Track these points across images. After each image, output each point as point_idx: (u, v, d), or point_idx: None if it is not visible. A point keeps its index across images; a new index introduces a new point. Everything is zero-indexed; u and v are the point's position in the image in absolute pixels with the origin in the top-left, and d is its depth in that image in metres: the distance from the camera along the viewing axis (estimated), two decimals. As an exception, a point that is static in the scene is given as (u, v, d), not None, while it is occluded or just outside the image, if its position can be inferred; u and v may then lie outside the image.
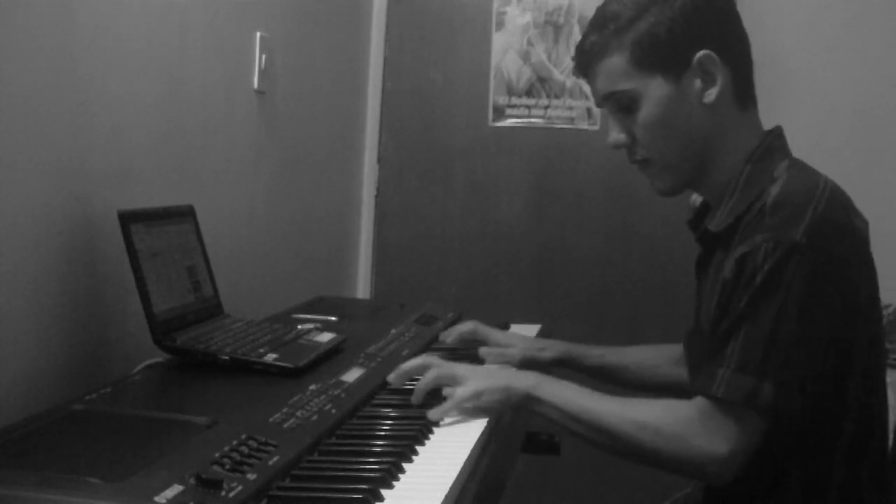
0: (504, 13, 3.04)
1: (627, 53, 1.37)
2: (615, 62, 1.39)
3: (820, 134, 2.83)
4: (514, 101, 3.04)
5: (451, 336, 1.80)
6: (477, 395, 1.34)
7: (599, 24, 1.41)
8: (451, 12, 3.08)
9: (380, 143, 3.08)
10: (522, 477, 2.79)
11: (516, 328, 1.99)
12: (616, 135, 1.43)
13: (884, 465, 1.37)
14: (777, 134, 1.43)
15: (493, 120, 3.06)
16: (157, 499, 0.89)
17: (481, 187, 3.08)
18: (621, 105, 1.41)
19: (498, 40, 3.04)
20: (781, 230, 1.26)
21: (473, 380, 1.36)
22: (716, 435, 1.25)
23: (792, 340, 1.24)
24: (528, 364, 1.68)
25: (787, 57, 2.88)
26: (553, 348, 1.75)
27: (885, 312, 2.62)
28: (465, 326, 1.81)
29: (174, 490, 0.91)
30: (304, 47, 2.39)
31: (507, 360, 1.68)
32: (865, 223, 1.35)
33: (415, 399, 1.36)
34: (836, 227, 1.28)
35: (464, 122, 3.07)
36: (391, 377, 1.44)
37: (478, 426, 1.30)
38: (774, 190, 1.31)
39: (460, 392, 1.34)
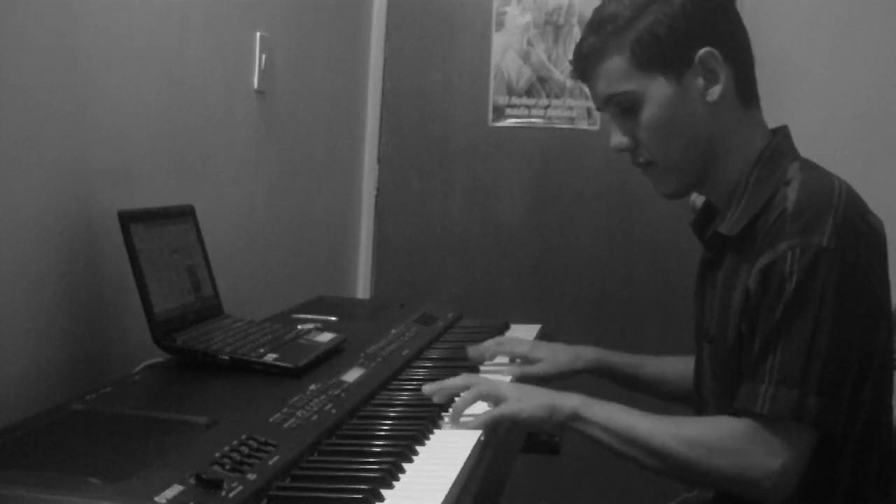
0: (504, 13, 3.04)
1: (627, 53, 1.35)
2: (615, 63, 1.36)
3: (820, 134, 2.82)
4: (514, 101, 3.05)
5: (476, 352, 1.70)
6: (517, 412, 1.31)
7: (597, 26, 1.39)
8: (451, 12, 3.08)
9: (380, 143, 3.08)
10: (522, 477, 2.79)
11: (516, 328, 1.98)
12: (619, 138, 1.40)
13: (890, 470, 1.36)
14: (784, 133, 1.42)
15: (493, 120, 3.06)
16: (157, 499, 0.89)
17: (481, 187, 3.08)
18: (622, 107, 1.38)
19: (498, 40, 3.04)
20: (806, 236, 1.25)
21: (515, 398, 1.33)
22: (767, 451, 1.23)
23: (830, 349, 1.23)
24: (558, 377, 1.65)
25: (787, 57, 2.88)
26: (585, 358, 1.68)
27: (885, 313, 2.63)
28: (488, 345, 1.71)
29: (174, 490, 0.91)
30: (304, 47, 2.39)
31: (530, 377, 1.62)
32: (880, 222, 1.34)
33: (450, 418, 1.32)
34: (857, 229, 1.27)
35: (464, 122, 3.07)
36: (433, 395, 1.36)
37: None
38: (792, 194, 1.29)
39: (500, 408, 1.31)
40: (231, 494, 0.94)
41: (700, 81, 1.36)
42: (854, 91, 2.90)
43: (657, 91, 1.36)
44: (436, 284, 3.05)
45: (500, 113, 3.05)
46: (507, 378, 1.59)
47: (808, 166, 1.36)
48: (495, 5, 3.04)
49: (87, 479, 0.91)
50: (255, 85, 2.07)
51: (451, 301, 2.64)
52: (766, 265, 1.26)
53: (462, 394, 1.35)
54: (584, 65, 1.41)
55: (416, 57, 3.08)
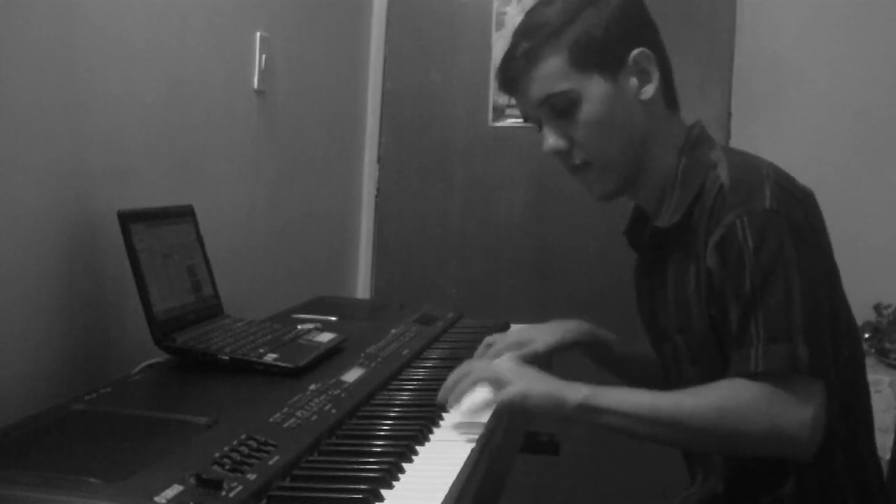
0: (504, 13, 3.04)
1: (566, 55, 1.39)
2: (552, 64, 1.40)
3: (820, 134, 2.83)
4: (515, 101, 3.04)
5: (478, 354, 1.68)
6: (523, 397, 1.29)
7: (530, 32, 1.43)
8: (451, 12, 3.08)
9: (380, 143, 3.08)
10: (522, 477, 2.79)
11: (516, 328, 1.98)
12: (554, 140, 1.42)
13: (869, 432, 1.40)
14: (700, 127, 1.46)
15: (493, 120, 3.06)
16: (157, 499, 0.89)
17: (481, 187, 3.08)
18: (557, 108, 1.41)
19: (498, 40, 3.04)
20: (749, 203, 1.29)
21: (520, 381, 1.31)
22: (797, 404, 1.23)
23: (805, 301, 1.25)
24: (551, 352, 1.64)
25: (787, 57, 2.88)
26: (576, 330, 1.67)
27: (885, 312, 2.63)
28: (480, 351, 1.68)
29: (174, 490, 0.91)
30: (304, 47, 2.39)
31: (526, 356, 1.59)
32: (810, 189, 1.38)
33: (447, 402, 1.30)
34: (792, 194, 1.32)
35: (464, 122, 3.07)
36: (447, 400, 1.32)
37: (477, 426, 1.30)
38: (723, 173, 1.34)
39: (506, 392, 1.30)
40: (231, 494, 0.94)
41: (633, 81, 1.40)
42: (854, 91, 2.90)
43: (595, 89, 1.39)
44: (436, 284, 3.05)
45: (500, 113, 3.05)
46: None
47: (729, 150, 1.42)
48: (495, 5, 3.04)
49: (87, 479, 0.91)
50: (255, 85, 2.07)
51: (451, 301, 2.64)
52: (719, 241, 1.29)
53: (462, 380, 1.33)
54: (518, 70, 1.44)
55: (416, 57, 3.08)
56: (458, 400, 1.30)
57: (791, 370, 1.23)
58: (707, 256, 1.31)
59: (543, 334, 1.67)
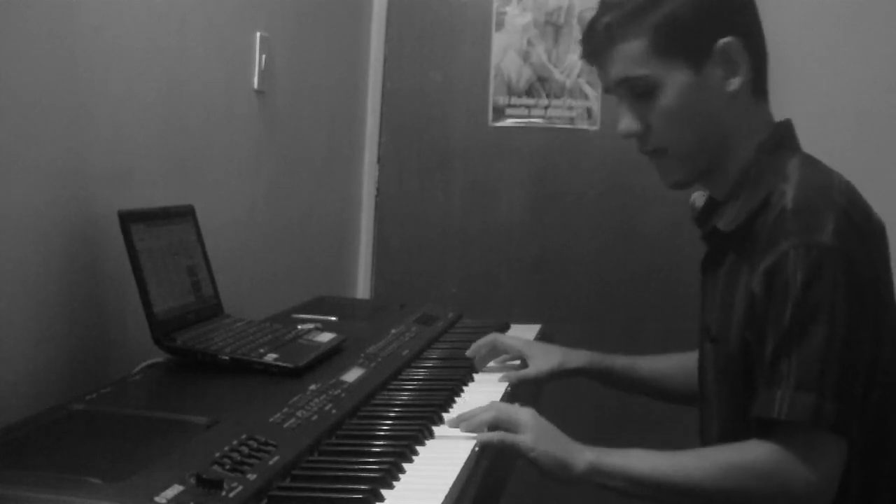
0: (504, 13, 3.04)
1: (648, 38, 1.31)
2: (633, 46, 1.32)
3: (820, 134, 2.82)
4: (514, 101, 3.04)
5: (471, 350, 1.69)
6: (530, 450, 1.26)
7: (615, 4, 1.35)
8: (451, 12, 3.08)
9: (380, 143, 3.08)
10: (523, 477, 2.79)
11: (516, 328, 1.98)
12: (629, 122, 1.36)
13: None
14: (787, 126, 1.40)
15: (493, 120, 3.06)
16: (157, 499, 0.89)
17: (481, 187, 3.08)
18: (636, 91, 1.34)
19: (498, 40, 3.04)
20: (807, 234, 1.22)
21: (533, 433, 1.27)
22: (805, 464, 1.20)
23: (844, 352, 1.20)
24: (550, 377, 1.64)
25: (786, 56, 2.87)
26: (578, 359, 1.66)
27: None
28: (485, 340, 1.70)
29: (174, 490, 0.91)
30: (304, 47, 2.39)
31: (525, 381, 1.60)
32: (881, 221, 1.32)
33: (463, 427, 1.29)
34: (858, 227, 1.25)
35: (464, 122, 3.07)
36: (462, 427, 1.29)
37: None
38: (790, 191, 1.27)
39: (516, 437, 1.27)
40: (231, 494, 0.94)
41: (719, 72, 1.33)
42: (854, 90, 2.89)
43: (676, 79, 1.32)
44: (436, 284, 3.05)
45: (500, 113, 3.05)
46: (503, 385, 1.57)
47: (807, 163, 1.35)
48: (495, 5, 3.04)
49: (87, 479, 0.91)
50: (255, 85, 2.07)
51: (451, 301, 2.63)
52: (769, 267, 1.24)
53: (480, 414, 1.29)
54: (599, 44, 1.36)
55: (416, 57, 3.08)
56: (469, 430, 1.28)
57: (813, 424, 1.19)
58: (754, 280, 1.26)
59: (543, 356, 1.66)
